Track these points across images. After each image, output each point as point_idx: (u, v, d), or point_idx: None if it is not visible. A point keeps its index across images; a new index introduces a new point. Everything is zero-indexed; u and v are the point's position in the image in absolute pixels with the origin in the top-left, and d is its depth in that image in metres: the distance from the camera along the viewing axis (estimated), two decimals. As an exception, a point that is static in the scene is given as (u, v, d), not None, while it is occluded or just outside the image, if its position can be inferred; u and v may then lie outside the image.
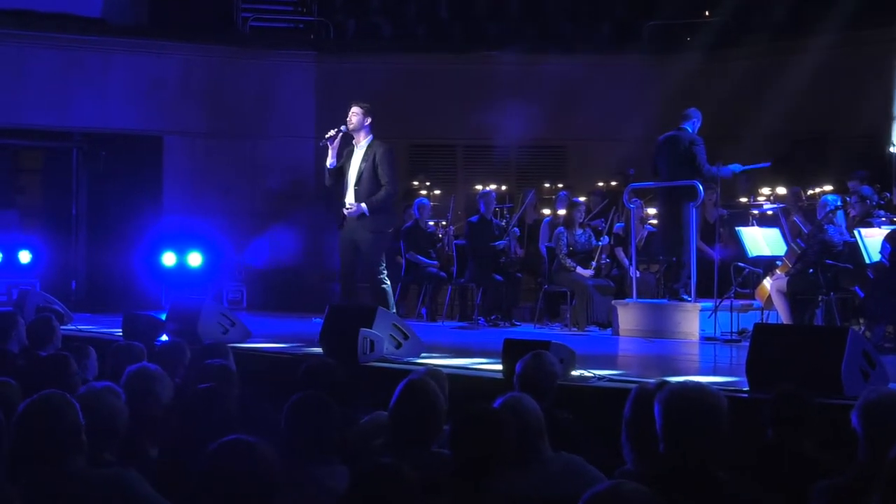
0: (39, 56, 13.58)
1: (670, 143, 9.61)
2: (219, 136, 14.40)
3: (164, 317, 8.66)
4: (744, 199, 11.34)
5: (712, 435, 3.19)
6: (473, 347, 8.80)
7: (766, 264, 9.38)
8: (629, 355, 8.74)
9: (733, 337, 8.84)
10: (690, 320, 9.19)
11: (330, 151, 8.75)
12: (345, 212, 8.65)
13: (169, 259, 13.61)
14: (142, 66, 13.99)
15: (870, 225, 8.74)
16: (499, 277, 11.01)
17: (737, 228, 9.60)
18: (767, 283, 9.09)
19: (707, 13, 14.78)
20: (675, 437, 3.20)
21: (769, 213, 10.47)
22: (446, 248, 12.38)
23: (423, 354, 7.44)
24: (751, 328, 6.76)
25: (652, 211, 10.94)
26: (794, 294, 8.71)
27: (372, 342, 7.08)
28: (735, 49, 13.99)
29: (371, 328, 7.14)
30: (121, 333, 7.94)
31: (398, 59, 14.66)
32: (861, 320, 8.82)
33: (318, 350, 7.54)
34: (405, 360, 7.22)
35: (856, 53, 12.98)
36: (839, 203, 8.75)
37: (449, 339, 9.73)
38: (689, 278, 9.34)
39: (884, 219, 9.05)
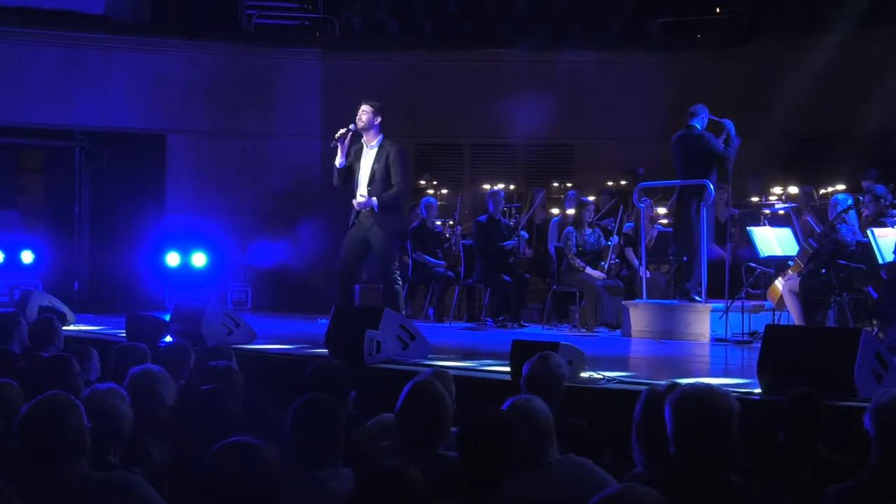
0: (41, 54, 13.55)
1: (681, 143, 9.59)
2: (223, 134, 14.35)
3: (167, 318, 8.62)
4: (755, 199, 11.28)
5: (723, 438, 3.17)
6: (481, 349, 8.79)
7: (778, 264, 9.33)
8: (639, 357, 8.70)
9: (745, 338, 8.81)
10: (701, 321, 9.16)
11: (339, 151, 8.70)
12: (354, 203, 8.58)
13: (173, 259, 13.59)
14: (145, 64, 13.93)
15: (883, 225, 8.66)
16: (507, 278, 10.95)
17: (748, 228, 9.56)
18: (779, 283, 9.05)
19: (717, 10, 14.71)
20: (685, 440, 3.17)
21: (781, 212, 10.41)
22: (454, 248, 12.33)
23: (430, 356, 7.40)
24: (762, 329, 6.69)
25: (662, 210, 10.88)
26: (807, 295, 8.65)
27: (378, 343, 7.04)
28: (744, 46, 13.92)
29: (377, 329, 7.10)
30: (124, 334, 7.91)
31: (405, 56, 14.58)
32: (874, 321, 8.76)
33: (324, 351, 7.50)
34: (412, 361, 7.17)
35: (867, 50, 12.90)
36: (850, 202, 8.68)
37: (456, 340, 9.71)
38: (701, 278, 9.28)
39: (898, 218, 8.98)
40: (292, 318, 11.84)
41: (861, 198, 9.08)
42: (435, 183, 14.20)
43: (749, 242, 9.41)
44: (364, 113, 8.60)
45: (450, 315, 11.87)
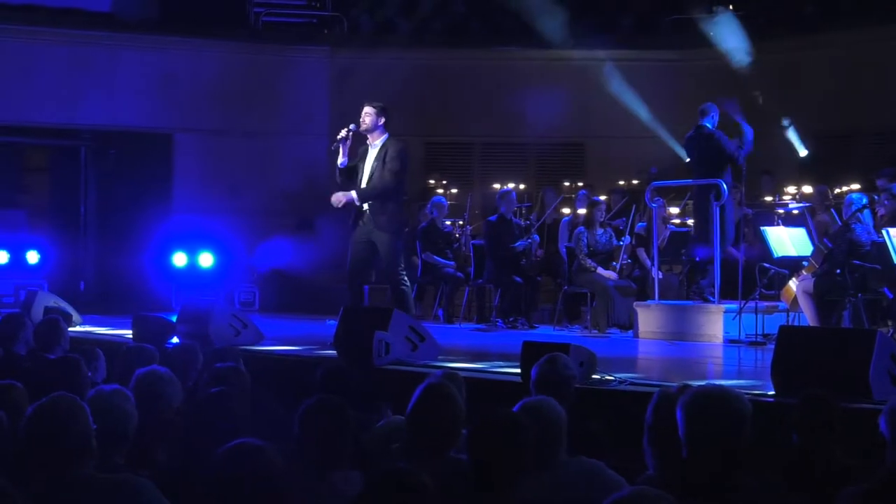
0: (47, 52, 13.52)
1: (693, 143, 9.58)
2: (230, 133, 14.32)
3: (174, 318, 8.59)
4: (769, 199, 11.22)
5: (736, 440, 3.15)
6: (491, 350, 8.77)
7: (792, 265, 9.27)
8: (651, 358, 8.67)
9: (758, 339, 8.80)
10: (714, 322, 9.13)
11: (341, 150, 8.66)
12: (335, 198, 8.55)
13: (179, 259, 13.57)
14: (152, 63, 13.89)
15: (898, 224, 8.60)
16: (518, 279, 10.88)
17: (762, 228, 9.51)
18: (793, 284, 9.01)
19: (731, 7, 14.61)
20: (698, 443, 3.16)
21: (795, 212, 10.35)
22: (463, 248, 12.27)
23: (440, 357, 7.37)
24: (776, 331, 6.64)
25: (674, 210, 10.83)
26: (821, 295, 8.61)
27: (387, 345, 7.01)
28: (759, 44, 13.82)
29: (386, 330, 7.06)
30: (130, 335, 7.88)
31: (414, 54, 14.51)
32: (889, 322, 8.70)
33: (333, 353, 7.46)
34: (421, 362, 7.12)
35: (882, 48, 12.81)
36: (865, 201, 8.63)
37: (466, 341, 9.68)
38: (715, 277, 9.23)
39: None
40: (300, 319, 11.82)
41: (876, 197, 9.02)
42: (444, 182, 14.15)
43: (763, 242, 9.35)
44: (367, 115, 8.57)
45: (459, 316, 11.83)
